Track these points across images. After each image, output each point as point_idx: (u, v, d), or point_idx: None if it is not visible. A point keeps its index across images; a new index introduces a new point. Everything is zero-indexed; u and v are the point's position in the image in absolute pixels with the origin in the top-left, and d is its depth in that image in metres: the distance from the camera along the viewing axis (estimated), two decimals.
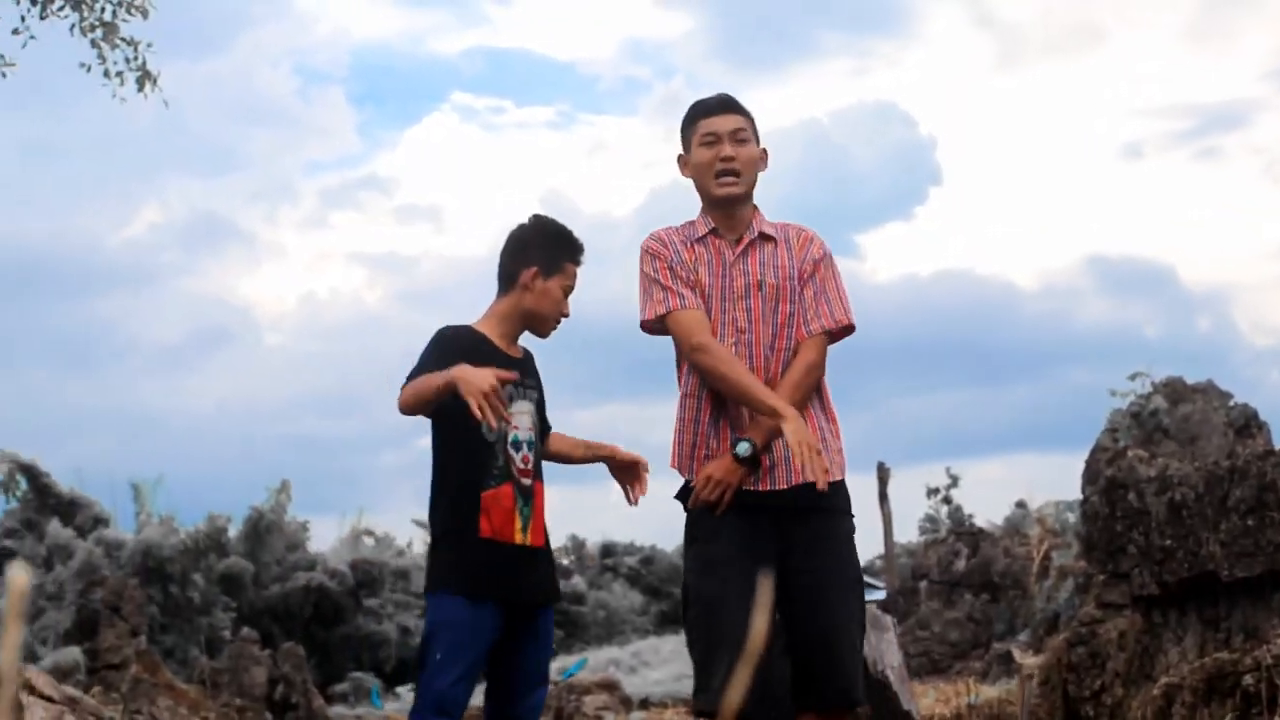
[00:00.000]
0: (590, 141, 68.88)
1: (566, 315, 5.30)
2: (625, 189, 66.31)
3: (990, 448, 58.65)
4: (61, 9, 11.18)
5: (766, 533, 4.93)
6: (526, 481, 5.13)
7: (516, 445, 5.12)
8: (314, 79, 67.54)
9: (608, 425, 44.42)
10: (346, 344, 57.37)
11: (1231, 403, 15.70)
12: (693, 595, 4.99)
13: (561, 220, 5.30)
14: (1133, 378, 16.46)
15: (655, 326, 5.11)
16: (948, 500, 27.17)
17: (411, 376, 5.01)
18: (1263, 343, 54.59)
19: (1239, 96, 59.50)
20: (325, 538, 33.76)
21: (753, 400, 4.88)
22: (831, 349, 5.14)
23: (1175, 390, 15.95)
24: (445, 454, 5.15)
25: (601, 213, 63.37)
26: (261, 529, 29.82)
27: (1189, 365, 30.65)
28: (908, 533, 29.43)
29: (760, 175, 5.19)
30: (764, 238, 5.14)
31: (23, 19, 11.14)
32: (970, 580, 22.89)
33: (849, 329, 5.14)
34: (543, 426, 5.35)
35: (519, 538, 5.06)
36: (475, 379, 4.70)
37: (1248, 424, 15.29)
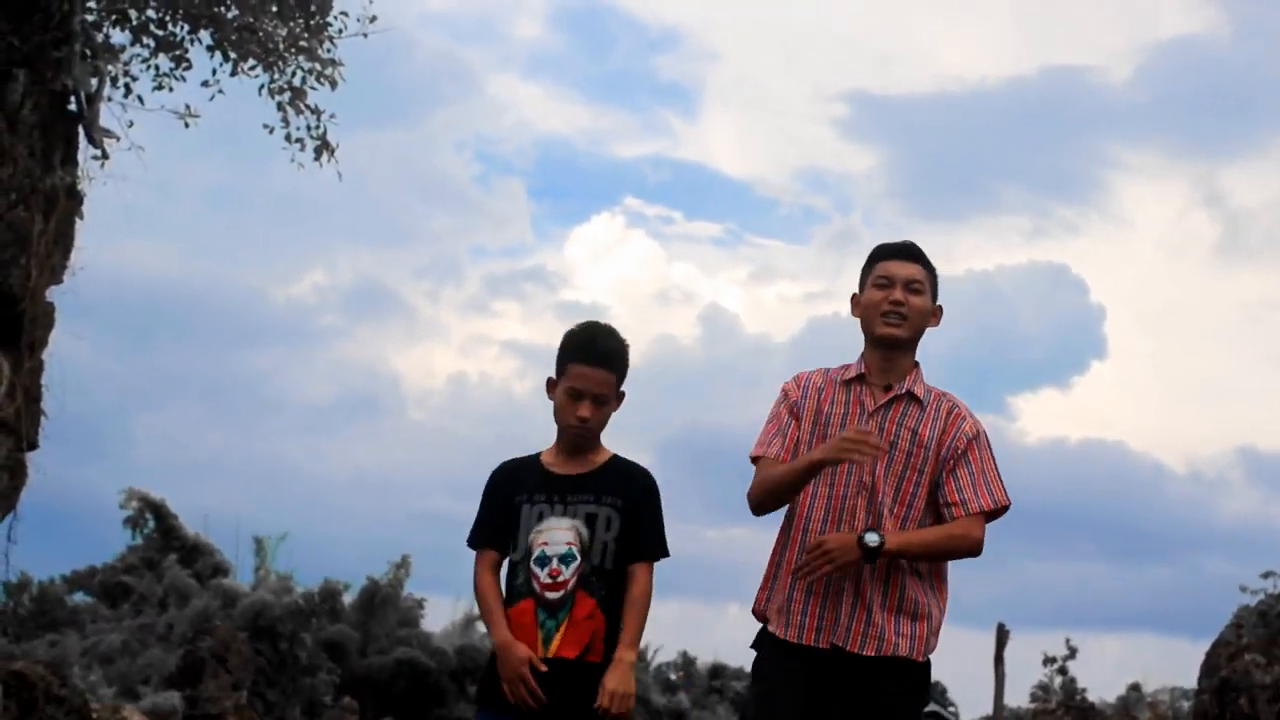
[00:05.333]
0: (755, 263, 69.16)
1: (583, 418, 5.08)
2: (787, 316, 66.32)
3: (1113, 623, 57.45)
4: (253, 68, 11.40)
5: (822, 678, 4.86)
6: (554, 595, 5.03)
7: (543, 561, 5.04)
8: (496, 167, 68.75)
9: (729, 547, 44.23)
10: (489, 429, 57.65)
11: None
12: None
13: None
14: (1265, 575, 16.10)
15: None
16: (1063, 671, 26.80)
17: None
18: None
19: None
20: (440, 618, 33.82)
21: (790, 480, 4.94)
22: None
23: None
24: None
25: (762, 335, 63.59)
26: (376, 601, 29.97)
27: None
28: (1019, 697, 28.91)
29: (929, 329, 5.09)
30: (911, 398, 5.00)
31: (214, 72, 11.38)
32: None
33: (1005, 509, 4.98)
34: (619, 542, 5.07)
35: (540, 650, 4.99)
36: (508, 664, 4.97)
37: None
